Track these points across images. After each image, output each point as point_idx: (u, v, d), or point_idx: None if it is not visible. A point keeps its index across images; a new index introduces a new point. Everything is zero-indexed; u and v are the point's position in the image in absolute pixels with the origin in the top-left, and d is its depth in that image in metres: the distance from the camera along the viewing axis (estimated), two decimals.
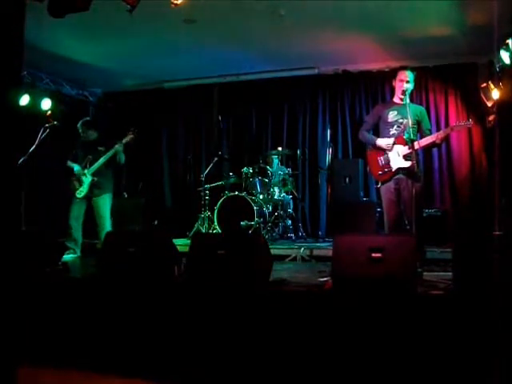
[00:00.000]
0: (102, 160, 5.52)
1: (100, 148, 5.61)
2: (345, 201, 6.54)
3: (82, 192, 5.51)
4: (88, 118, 5.95)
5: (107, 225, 5.54)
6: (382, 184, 4.52)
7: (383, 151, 4.47)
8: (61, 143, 6.15)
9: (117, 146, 5.50)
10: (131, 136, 5.58)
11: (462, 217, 6.50)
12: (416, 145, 4.25)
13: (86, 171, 5.53)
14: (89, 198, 5.55)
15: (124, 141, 5.55)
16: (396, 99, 4.62)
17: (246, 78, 7.66)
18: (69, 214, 5.54)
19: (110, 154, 5.51)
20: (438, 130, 6.50)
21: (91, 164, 5.56)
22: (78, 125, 5.74)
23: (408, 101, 4.34)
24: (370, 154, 4.64)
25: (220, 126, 7.83)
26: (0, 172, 1.67)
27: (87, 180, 5.51)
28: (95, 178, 5.51)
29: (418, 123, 4.52)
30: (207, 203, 6.95)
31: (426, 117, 4.76)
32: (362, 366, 2.72)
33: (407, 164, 4.31)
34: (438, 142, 4.37)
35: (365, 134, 4.69)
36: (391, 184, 4.44)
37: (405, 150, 4.37)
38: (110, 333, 3.28)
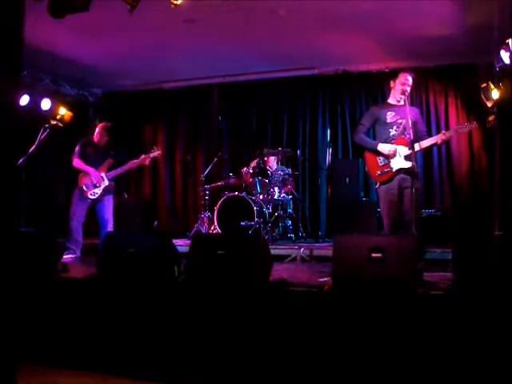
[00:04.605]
0: (124, 169, 5.59)
1: (111, 152, 5.63)
2: (345, 201, 6.54)
3: (96, 194, 5.48)
4: (109, 124, 5.91)
5: (110, 226, 5.52)
6: (382, 184, 4.50)
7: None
8: (61, 143, 6.15)
9: (143, 158, 5.63)
10: (159, 152, 5.75)
11: (462, 217, 6.50)
12: (417, 146, 4.25)
13: (103, 174, 5.52)
14: (97, 199, 5.55)
15: (152, 155, 5.68)
16: (392, 100, 4.61)
17: (245, 78, 7.65)
18: (70, 214, 5.51)
19: (134, 165, 5.62)
20: (438, 130, 6.52)
21: (110, 169, 5.56)
22: (99, 127, 5.73)
23: (405, 101, 4.35)
24: (368, 154, 4.59)
25: (220, 126, 7.84)
26: None
27: (104, 184, 5.50)
28: (112, 183, 5.55)
29: (415, 124, 4.51)
30: (207, 203, 6.95)
31: (421, 118, 4.77)
32: (362, 365, 2.72)
33: (408, 164, 4.29)
34: (439, 143, 4.37)
35: (364, 138, 4.62)
36: (392, 184, 4.42)
37: (406, 150, 4.35)
38: (110, 333, 3.28)
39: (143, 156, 5.64)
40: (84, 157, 5.60)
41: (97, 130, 5.73)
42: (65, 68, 7.15)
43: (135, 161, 5.62)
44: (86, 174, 5.52)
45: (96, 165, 5.55)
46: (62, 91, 7.77)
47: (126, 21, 4.23)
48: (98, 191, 5.49)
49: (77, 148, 5.65)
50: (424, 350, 2.62)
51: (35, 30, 4.90)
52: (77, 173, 5.60)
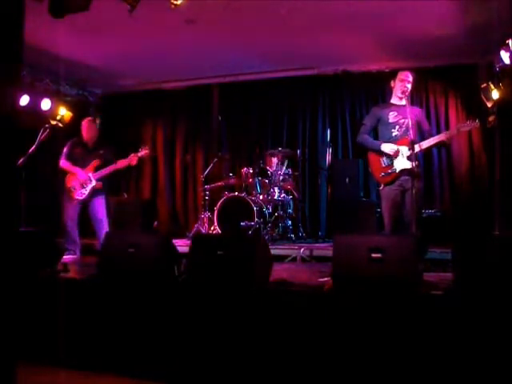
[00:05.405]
0: (111, 168, 5.52)
1: (100, 151, 5.60)
2: (345, 201, 6.54)
3: (83, 195, 5.46)
4: (92, 118, 5.88)
5: (104, 226, 5.52)
6: (386, 186, 4.48)
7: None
8: (61, 143, 6.14)
9: (131, 157, 5.56)
10: (146, 151, 5.67)
11: (462, 217, 6.50)
12: (417, 147, 4.24)
13: (90, 174, 5.50)
14: (85, 200, 5.53)
15: (140, 155, 5.61)
16: (394, 100, 4.60)
17: (245, 78, 7.66)
18: (63, 215, 5.51)
19: (123, 164, 5.55)
20: (438, 130, 6.52)
21: (97, 169, 5.52)
22: (83, 123, 5.69)
23: (406, 101, 4.34)
24: (371, 155, 4.58)
25: (220, 126, 7.84)
26: None
27: (91, 184, 5.48)
28: (99, 183, 5.51)
29: (417, 124, 4.50)
30: (207, 203, 6.95)
31: (425, 118, 4.76)
32: (362, 366, 2.72)
33: (411, 165, 4.27)
34: (447, 142, 4.36)
35: (367, 138, 4.60)
36: (396, 185, 4.40)
37: (408, 150, 4.34)
38: (110, 333, 3.28)
39: (132, 155, 5.60)
40: (72, 157, 5.58)
41: (83, 126, 5.68)
42: (65, 68, 7.14)
43: (123, 160, 5.57)
44: (73, 174, 5.51)
45: (85, 165, 5.53)
46: (62, 91, 7.76)
47: (126, 21, 4.23)
48: (85, 192, 5.46)
49: (64, 149, 5.65)
50: (424, 350, 2.62)
51: (35, 29, 4.90)
52: (65, 174, 5.59)
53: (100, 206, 5.56)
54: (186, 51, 6.63)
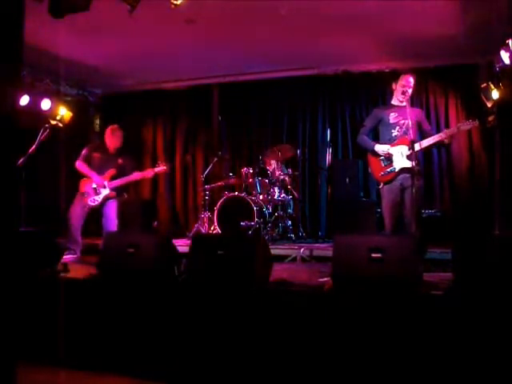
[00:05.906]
0: (126, 180, 5.52)
1: (119, 160, 5.57)
2: (345, 201, 6.54)
3: (96, 201, 5.44)
4: (117, 126, 5.78)
5: (114, 228, 5.50)
6: (385, 184, 4.50)
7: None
8: (61, 143, 6.14)
9: (148, 171, 5.63)
10: (164, 168, 5.74)
11: (462, 217, 6.50)
12: (417, 146, 4.25)
13: (105, 183, 5.46)
14: (97, 206, 5.51)
15: (156, 170, 5.68)
16: (395, 101, 4.62)
17: (245, 77, 7.66)
18: (69, 214, 5.50)
19: (138, 177, 5.59)
20: (439, 130, 6.51)
21: (113, 178, 5.49)
22: (107, 130, 5.68)
23: (406, 103, 4.36)
24: (371, 155, 4.62)
25: (220, 125, 7.84)
26: None
27: (105, 192, 5.46)
28: (113, 192, 5.50)
29: (418, 124, 4.52)
30: (207, 203, 6.95)
31: (425, 118, 4.78)
32: (362, 366, 2.72)
33: (410, 164, 4.28)
34: (446, 141, 4.36)
35: (364, 139, 4.65)
36: (395, 185, 4.42)
37: (408, 150, 4.35)
38: (110, 333, 3.28)
39: (149, 170, 5.67)
40: (89, 161, 5.57)
41: (107, 133, 5.67)
42: (65, 68, 7.14)
43: (140, 173, 5.59)
44: (88, 179, 5.49)
45: (102, 171, 5.50)
46: (62, 91, 7.76)
47: (126, 21, 4.23)
48: (99, 199, 5.44)
49: (83, 151, 5.64)
50: (424, 350, 2.62)
51: (35, 29, 4.91)
52: (79, 177, 5.56)
53: (112, 209, 5.54)
54: (185, 51, 6.63)
